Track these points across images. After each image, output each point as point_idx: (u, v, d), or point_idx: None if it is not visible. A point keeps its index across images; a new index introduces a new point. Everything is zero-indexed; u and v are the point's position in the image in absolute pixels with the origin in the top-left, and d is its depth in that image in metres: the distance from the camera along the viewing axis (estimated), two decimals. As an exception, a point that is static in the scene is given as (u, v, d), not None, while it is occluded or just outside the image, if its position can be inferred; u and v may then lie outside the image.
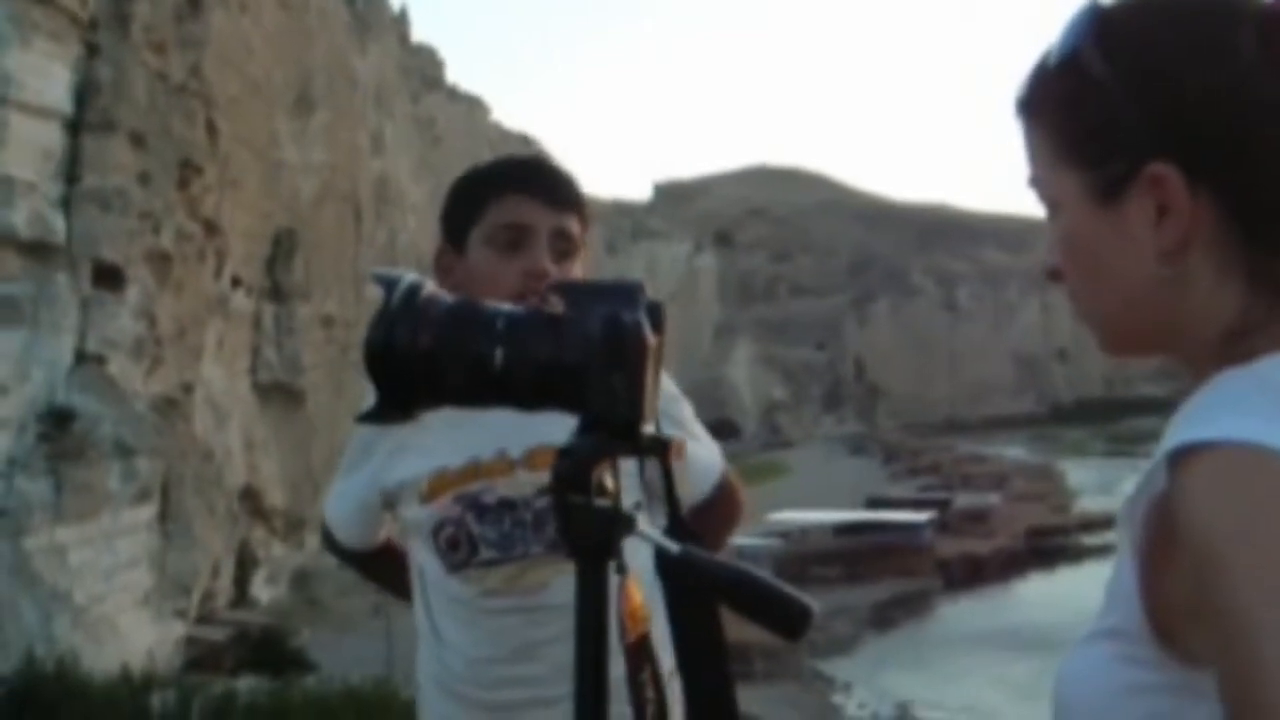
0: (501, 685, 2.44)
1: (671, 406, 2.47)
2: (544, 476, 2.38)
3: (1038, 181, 1.21)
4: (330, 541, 2.78)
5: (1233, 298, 1.10)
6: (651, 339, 1.28)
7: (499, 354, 1.29)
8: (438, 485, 2.43)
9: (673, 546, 1.34)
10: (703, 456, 2.56)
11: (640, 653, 1.35)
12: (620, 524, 1.29)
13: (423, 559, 2.51)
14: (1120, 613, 1.08)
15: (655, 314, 1.30)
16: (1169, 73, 1.10)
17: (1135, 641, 1.06)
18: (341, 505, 2.67)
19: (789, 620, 1.34)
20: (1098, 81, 1.13)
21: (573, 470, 1.29)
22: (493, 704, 2.46)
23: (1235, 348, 1.09)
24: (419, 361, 1.30)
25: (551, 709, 2.38)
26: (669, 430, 2.37)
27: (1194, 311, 1.12)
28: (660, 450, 1.33)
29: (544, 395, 1.30)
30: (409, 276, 1.33)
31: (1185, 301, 1.12)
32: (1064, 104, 1.16)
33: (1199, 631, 1.00)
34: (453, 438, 2.31)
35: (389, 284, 1.32)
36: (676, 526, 1.42)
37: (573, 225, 2.41)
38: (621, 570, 1.32)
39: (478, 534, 2.42)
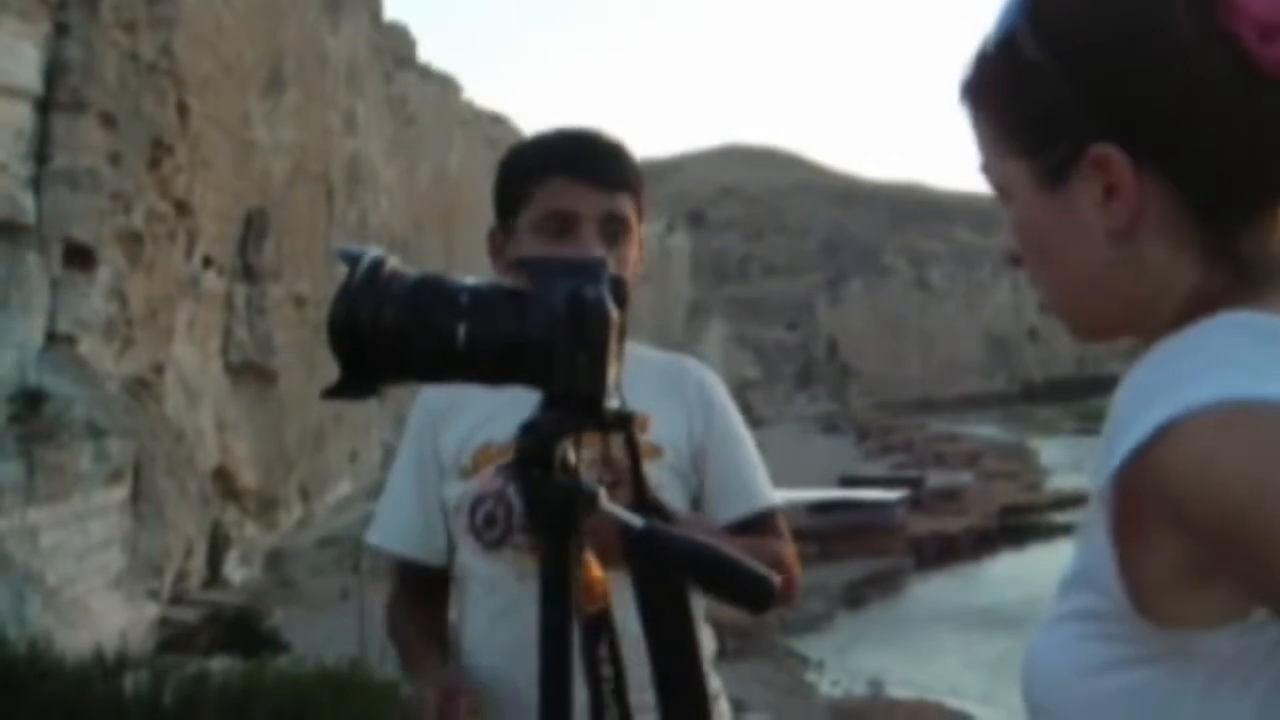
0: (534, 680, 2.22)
1: (718, 418, 2.37)
2: (593, 453, 2.25)
3: (988, 168, 1.19)
4: (390, 570, 2.46)
5: (1189, 276, 1.09)
6: (615, 314, 1.27)
7: (462, 329, 1.29)
8: (482, 458, 2.29)
9: (636, 521, 1.34)
10: (737, 478, 2.42)
11: (598, 628, 1.35)
12: (583, 499, 1.29)
13: (463, 556, 2.33)
14: (1092, 593, 1.07)
15: (618, 289, 1.30)
16: (1102, 52, 1.08)
17: (1110, 619, 1.05)
18: (398, 510, 2.42)
19: (752, 593, 1.34)
20: (1033, 65, 1.11)
21: (536, 446, 1.28)
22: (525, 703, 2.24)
23: (1191, 325, 1.08)
24: (383, 337, 1.30)
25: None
26: (714, 448, 2.32)
27: (1151, 292, 1.11)
28: (624, 425, 1.33)
29: (508, 370, 1.30)
30: (372, 252, 1.32)
31: (1142, 282, 1.11)
32: (1003, 90, 1.15)
33: (1187, 599, 1.00)
34: (498, 411, 2.11)
35: (352, 259, 1.32)
36: (641, 502, 1.42)
37: (624, 206, 2.29)
38: (582, 546, 1.32)
39: (519, 507, 2.20)
